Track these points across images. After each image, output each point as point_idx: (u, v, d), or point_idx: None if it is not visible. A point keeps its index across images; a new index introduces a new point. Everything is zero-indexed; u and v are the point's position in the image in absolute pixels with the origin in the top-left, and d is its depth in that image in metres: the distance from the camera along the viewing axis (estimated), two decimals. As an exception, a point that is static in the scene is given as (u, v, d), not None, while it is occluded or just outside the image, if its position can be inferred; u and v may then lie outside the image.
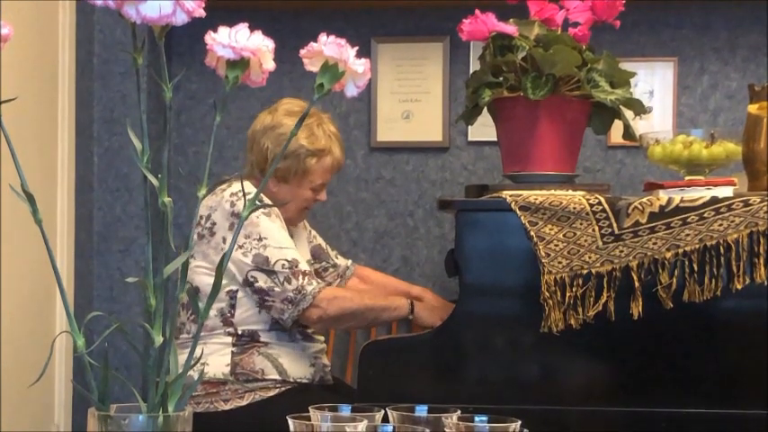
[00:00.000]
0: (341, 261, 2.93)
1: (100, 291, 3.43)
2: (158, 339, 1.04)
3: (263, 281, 2.49)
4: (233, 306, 2.54)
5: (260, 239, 2.49)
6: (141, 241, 3.39)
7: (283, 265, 2.48)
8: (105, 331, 1.04)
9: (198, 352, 2.63)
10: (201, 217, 2.55)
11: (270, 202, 2.59)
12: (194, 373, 2.47)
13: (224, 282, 2.47)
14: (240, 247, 2.49)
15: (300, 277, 2.48)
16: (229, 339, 2.54)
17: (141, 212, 3.38)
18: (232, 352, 2.54)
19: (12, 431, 2.73)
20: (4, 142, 1.04)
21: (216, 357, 2.53)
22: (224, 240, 2.50)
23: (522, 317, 2.25)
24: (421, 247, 3.58)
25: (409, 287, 2.92)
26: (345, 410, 1.19)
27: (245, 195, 1.17)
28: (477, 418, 1.16)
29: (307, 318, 2.51)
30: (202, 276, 2.53)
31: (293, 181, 2.63)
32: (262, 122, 2.67)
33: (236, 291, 2.54)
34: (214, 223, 2.53)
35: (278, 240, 2.51)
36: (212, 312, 2.53)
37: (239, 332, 2.55)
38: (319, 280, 2.54)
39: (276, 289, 2.48)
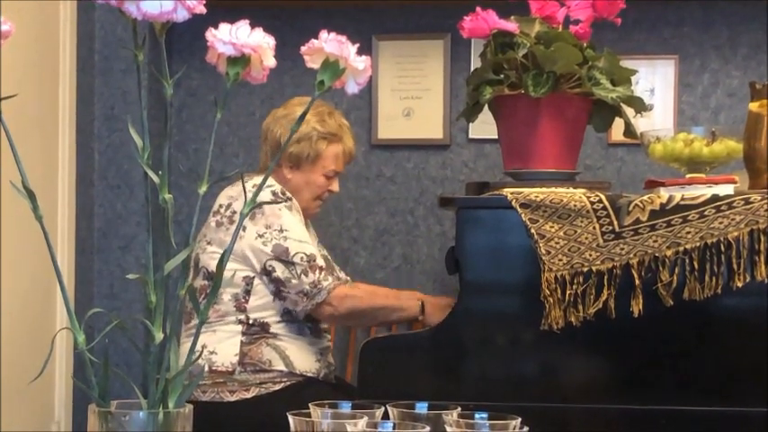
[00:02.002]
0: (342, 275, 2.93)
1: (100, 287, 3.43)
2: (159, 336, 1.04)
3: (280, 271, 2.54)
4: (248, 293, 2.58)
5: (281, 231, 2.55)
6: (142, 238, 3.39)
7: (302, 257, 2.53)
8: (106, 328, 1.04)
9: (207, 339, 2.67)
10: (221, 206, 2.63)
11: (287, 193, 2.63)
12: (202, 362, 2.51)
13: (241, 268, 2.54)
14: (260, 236, 2.54)
15: (318, 272, 2.53)
16: (239, 328, 2.58)
17: (142, 209, 3.39)
18: (241, 341, 2.57)
19: (12, 428, 2.73)
20: (4, 139, 1.04)
21: (225, 346, 2.56)
22: (243, 229, 2.55)
23: (523, 314, 2.25)
24: (421, 244, 3.58)
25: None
26: (346, 407, 1.19)
27: (246, 195, 1.18)
28: (477, 415, 1.16)
29: (319, 313, 2.56)
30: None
31: (306, 166, 2.69)
32: (274, 115, 2.77)
33: (253, 278, 2.58)
34: (234, 212, 2.59)
35: (298, 234, 2.57)
36: (226, 297, 2.58)
37: (250, 321, 2.58)
38: (336, 276, 2.58)
39: (293, 281, 2.53)
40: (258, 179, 2.59)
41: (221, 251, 2.55)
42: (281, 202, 2.58)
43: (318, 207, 2.81)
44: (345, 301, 2.55)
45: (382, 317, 2.66)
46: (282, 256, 2.53)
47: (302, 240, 2.56)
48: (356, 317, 2.64)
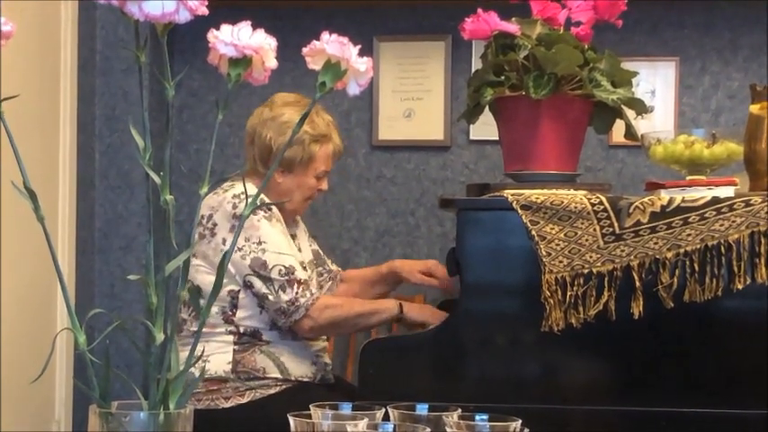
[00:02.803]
0: (333, 267, 2.93)
1: (101, 288, 3.43)
2: (159, 337, 1.04)
3: (258, 286, 2.51)
4: (234, 306, 2.55)
5: (259, 243, 2.50)
6: (142, 239, 3.39)
7: (280, 271, 2.49)
8: (106, 328, 1.04)
9: (199, 350, 2.65)
10: (203, 216, 2.55)
11: (269, 200, 2.60)
12: (195, 371, 2.49)
13: (225, 281, 2.47)
14: (239, 249, 2.50)
15: (296, 286, 2.49)
16: (231, 338, 2.55)
17: (143, 210, 3.39)
18: (234, 350, 2.54)
19: (12, 427, 2.73)
20: (5, 139, 1.04)
21: (217, 355, 2.53)
22: (224, 242, 2.51)
23: (523, 316, 2.25)
24: (422, 245, 3.58)
25: (378, 268, 2.93)
26: (346, 409, 1.19)
27: (246, 197, 1.18)
28: (477, 417, 1.16)
29: (299, 328, 2.52)
30: (203, 275, 2.53)
31: (298, 169, 2.63)
32: (260, 116, 2.68)
33: (238, 291, 2.54)
34: (215, 224, 2.54)
35: (277, 245, 2.52)
36: (213, 310, 2.53)
37: (241, 330, 2.55)
38: (314, 289, 2.54)
39: (270, 297, 2.49)
40: (241, 187, 2.54)
41: (205, 264, 2.54)
42: (258, 214, 2.51)
43: (308, 206, 2.77)
44: (325, 313, 2.51)
45: (362, 322, 2.61)
46: (261, 270, 2.49)
47: (281, 252, 2.51)
48: (337, 326, 2.59)
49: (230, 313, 2.55)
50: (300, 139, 2.59)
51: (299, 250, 2.72)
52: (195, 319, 2.58)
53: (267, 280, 2.49)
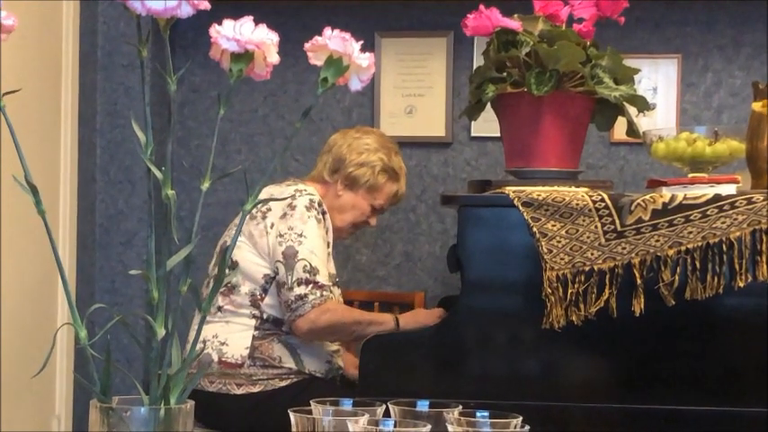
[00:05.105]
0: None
1: (102, 283, 3.43)
2: (160, 332, 1.04)
3: (281, 274, 2.56)
4: (265, 291, 2.61)
5: (300, 235, 2.57)
6: (144, 234, 3.39)
7: (305, 266, 2.54)
8: (107, 323, 1.04)
9: (219, 329, 2.73)
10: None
11: (327, 208, 2.66)
12: (213, 352, 2.58)
13: (264, 264, 2.59)
14: (281, 236, 2.57)
15: (311, 286, 2.53)
16: (253, 322, 2.61)
17: (144, 205, 3.39)
18: (253, 335, 2.59)
19: (13, 422, 2.73)
20: (7, 133, 1.04)
21: (237, 338, 2.58)
22: (272, 226, 2.60)
23: (524, 313, 2.25)
24: (423, 242, 3.58)
25: None
26: (347, 405, 1.19)
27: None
28: (478, 414, 1.16)
29: (297, 327, 2.55)
30: (244, 252, 2.62)
31: (360, 191, 2.76)
32: (346, 133, 2.85)
33: (273, 278, 2.60)
34: (269, 209, 2.62)
35: (314, 244, 2.57)
36: (244, 290, 2.62)
37: (264, 316, 2.61)
38: (326, 293, 2.55)
39: (285, 287, 2.54)
40: (305, 185, 2.67)
41: (248, 243, 2.61)
42: (311, 212, 2.59)
43: (350, 235, 2.89)
44: (325, 315, 2.54)
45: (359, 331, 2.62)
46: (289, 259, 2.54)
47: (314, 252, 2.56)
48: (333, 331, 2.60)
49: (259, 297, 2.61)
50: (372, 164, 2.75)
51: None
52: (223, 296, 2.63)
53: (290, 270, 2.54)
